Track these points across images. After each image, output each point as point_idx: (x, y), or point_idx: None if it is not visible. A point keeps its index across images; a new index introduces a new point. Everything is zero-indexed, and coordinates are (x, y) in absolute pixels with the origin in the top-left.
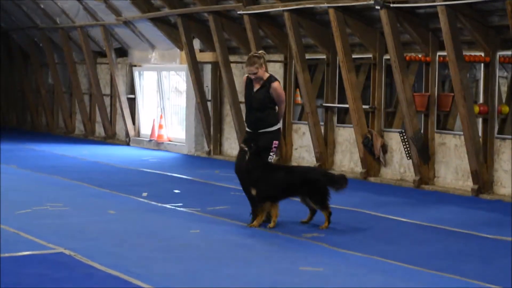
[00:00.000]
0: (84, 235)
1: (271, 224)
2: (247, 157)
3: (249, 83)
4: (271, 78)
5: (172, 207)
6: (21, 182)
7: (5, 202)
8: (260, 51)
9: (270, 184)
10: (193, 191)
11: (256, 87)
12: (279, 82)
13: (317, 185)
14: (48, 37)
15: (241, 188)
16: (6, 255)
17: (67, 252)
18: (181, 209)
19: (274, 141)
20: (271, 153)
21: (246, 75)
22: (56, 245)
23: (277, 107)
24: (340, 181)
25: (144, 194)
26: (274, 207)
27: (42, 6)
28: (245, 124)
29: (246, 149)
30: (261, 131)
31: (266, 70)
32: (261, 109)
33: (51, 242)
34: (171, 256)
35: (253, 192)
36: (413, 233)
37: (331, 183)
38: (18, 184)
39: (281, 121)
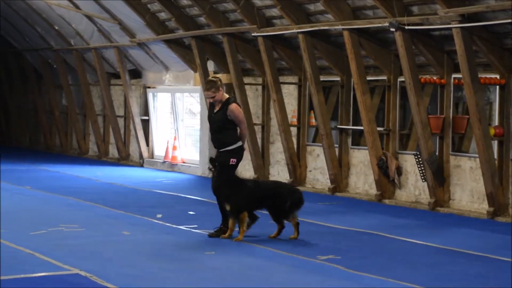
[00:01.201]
0: (99, 256)
1: (239, 237)
2: (214, 175)
3: (211, 105)
4: (229, 100)
5: (187, 228)
6: (35, 203)
7: (20, 223)
8: (217, 75)
9: (240, 198)
10: (207, 212)
11: (216, 109)
12: (237, 104)
13: (282, 198)
14: (62, 59)
15: None
16: (22, 276)
17: (83, 273)
18: (196, 230)
19: (232, 159)
20: (231, 170)
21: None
22: (72, 266)
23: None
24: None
25: (159, 215)
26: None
27: (56, 27)
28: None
29: (213, 168)
30: (221, 150)
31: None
32: (219, 130)
33: (67, 263)
34: (187, 277)
35: (227, 207)
36: (429, 256)
37: (294, 198)
38: (32, 205)
39: (245, 140)
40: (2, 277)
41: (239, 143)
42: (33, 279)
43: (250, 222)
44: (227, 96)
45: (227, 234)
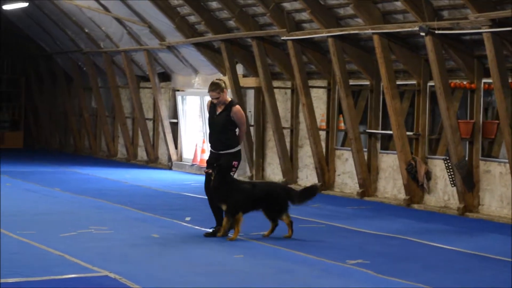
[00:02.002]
0: (128, 258)
1: (233, 237)
2: (212, 177)
3: (212, 106)
4: (233, 102)
5: None
6: (64, 204)
7: (50, 225)
8: (221, 78)
9: (237, 198)
10: None
11: (219, 110)
12: (240, 106)
13: (276, 197)
14: (92, 61)
15: None
16: (52, 277)
17: (112, 275)
18: None
19: (234, 162)
20: (231, 172)
21: (210, 99)
22: (101, 268)
23: (237, 129)
24: (300, 197)
25: (187, 218)
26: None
27: (86, 30)
28: (209, 145)
29: (211, 171)
30: (222, 152)
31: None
32: (222, 131)
33: (96, 265)
34: (216, 280)
35: (224, 207)
36: (458, 261)
37: (289, 197)
38: (61, 207)
39: (242, 143)
40: (34, 279)
41: (240, 146)
42: (63, 280)
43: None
44: (230, 98)
45: (221, 233)
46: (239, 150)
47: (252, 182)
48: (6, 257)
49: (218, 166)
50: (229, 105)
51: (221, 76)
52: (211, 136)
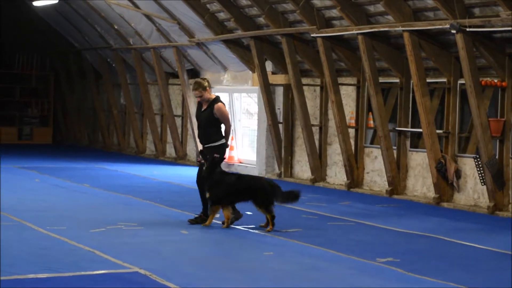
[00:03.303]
0: (158, 254)
1: (224, 225)
2: (204, 167)
3: (199, 103)
4: (216, 100)
5: (245, 228)
6: (93, 200)
7: (79, 221)
8: (205, 77)
9: (221, 189)
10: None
11: (204, 107)
12: (223, 103)
13: (262, 191)
14: (121, 58)
15: (311, 211)
16: (83, 273)
17: (142, 271)
18: (254, 231)
19: (215, 154)
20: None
21: None
22: (131, 265)
23: (222, 125)
24: (284, 196)
25: (216, 215)
26: (226, 209)
27: (115, 26)
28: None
29: (203, 161)
30: (207, 145)
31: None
32: (206, 126)
33: (126, 261)
34: (246, 277)
35: (207, 195)
36: (489, 260)
37: (274, 192)
38: (91, 202)
39: (229, 137)
40: (65, 274)
41: (223, 140)
42: (93, 276)
43: (234, 218)
44: (214, 96)
45: (207, 222)
46: (222, 144)
47: (239, 175)
48: (37, 252)
49: (211, 157)
50: (212, 103)
51: (250, 73)
52: (198, 131)
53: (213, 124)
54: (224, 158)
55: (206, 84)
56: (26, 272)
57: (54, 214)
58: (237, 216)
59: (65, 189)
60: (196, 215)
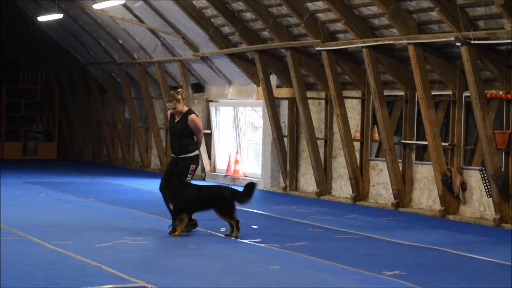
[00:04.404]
0: (164, 269)
1: (176, 233)
2: (173, 179)
3: (172, 115)
4: (189, 111)
5: (251, 242)
6: (99, 215)
7: (85, 235)
8: (179, 89)
9: (183, 199)
10: (270, 226)
11: (177, 119)
12: (196, 114)
13: (223, 200)
14: (126, 72)
15: (317, 224)
16: None
17: (149, 286)
18: (260, 244)
19: (191, 165)
20: (188, 175)
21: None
22: (138, 279)
23: (195, 136)
24: (244, 196)
25: (223, 229)
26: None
27: (120, 41)
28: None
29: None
30: (181, 156)
31: (187, 105)
32: (180, 137)
33: (133, 276)
34: None
35: (171, 206)
36: (495, 272)
37: (236, 198)
38: (96, 217)
39: (200, 148)
40: None
41: (197, 151)
42: None
43: (191, 227)
44: (187, 108)
45: (177, 233)
46: (197, 155)
47: (198, 186)
48: (43, 267)
49: (171, 172)
50: (186, 114)
51: (254, 86)
52: (172, 142)
53: (187, 135)
54: (195, 169)
55: (179, 96)
56: (33, 287)
57: (60, 229)
58: (195, 225)
59: (71, 204)
60: (170, 226)
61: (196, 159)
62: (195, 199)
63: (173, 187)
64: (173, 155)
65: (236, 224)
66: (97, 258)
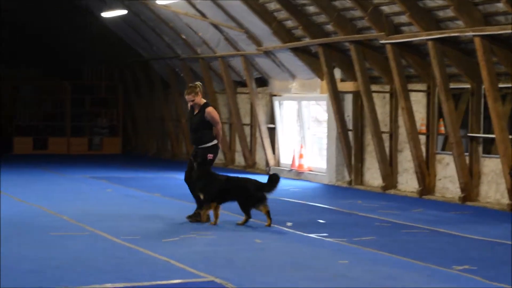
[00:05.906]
0: (233, 264)
1: (213, 222)
2: (195, 168)
3: (191, 108)
4: (206, 104)
5: (318, 237)
6: (165, 210)
7: (153, 230)
8: (197, 82)
9: (212, 190)
10: (337, 221)
11: (196, 111)
12: (213, 107)
13: (246, 192)
14: (189, 67)
15: (384, 218)
16: (158, 282)
17: (218, 280)
18: (327, 239)
19: (208, 155)
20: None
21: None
22: (207, 274)
23: (214, 128)
24: (268, 187)
25: (289, 224)
26: (217, 208)
27: (183, 36)
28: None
29: (194, 162)
30: (199, 147)
31: (203, 97)
32: (198, 129)
33: (201, 271)
34: (321, 286)
35: (201, 196)
36: None
37: (260, 190)
38: (163, 212)
39: (219, 138)
40: (141, 283)
41: (215, 141)
42: (169, 286)
43: (197, 217)
44: (204, 100)
45: (204, 219)
46: (214, 145)
47: (226, 176)
48: (112, 262)
49: (201, 159)
50: (203, 107)
51: (318, 80)
52: (190, 134)
53: (205, 126)
54: (214, 158)
55: (198, 89)
56: (103, 282)
57: (127, 224)
58: (197, 219)
59: (137, 199)
60: (194, 212)
61: (212, 149)
62: (223, 189)
63: (203, 178)
64: (194, 145)
65: (245, 220)
66: (165, 252)
